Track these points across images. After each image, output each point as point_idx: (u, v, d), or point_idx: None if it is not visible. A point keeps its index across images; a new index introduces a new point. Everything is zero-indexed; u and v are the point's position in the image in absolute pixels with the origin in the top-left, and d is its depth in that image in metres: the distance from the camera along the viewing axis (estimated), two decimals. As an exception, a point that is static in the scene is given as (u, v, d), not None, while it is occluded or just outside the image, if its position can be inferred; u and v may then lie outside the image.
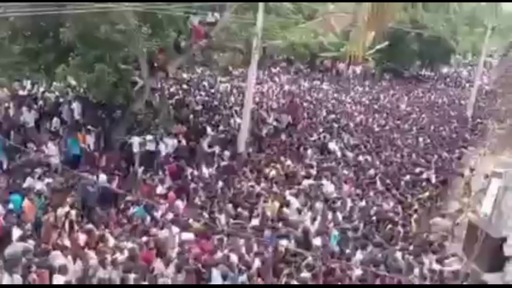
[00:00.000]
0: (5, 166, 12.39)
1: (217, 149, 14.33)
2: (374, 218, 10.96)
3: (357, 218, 10.71)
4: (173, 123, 15.45)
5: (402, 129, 20.66)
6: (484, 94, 31.53)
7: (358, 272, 8.12)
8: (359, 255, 8.83)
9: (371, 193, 12.52)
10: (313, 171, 13.28)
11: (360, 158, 15.48)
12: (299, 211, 10.44)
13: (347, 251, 9.06)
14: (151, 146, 13.41)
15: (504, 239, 9.62)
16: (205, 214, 9.55)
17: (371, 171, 14.30)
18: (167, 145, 13.57)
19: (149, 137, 13.51)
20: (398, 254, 9.10)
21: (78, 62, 12.02)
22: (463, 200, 13.83)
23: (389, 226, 10.60)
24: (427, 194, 13.25)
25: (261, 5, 13.86)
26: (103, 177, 11.25)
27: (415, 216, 11.64)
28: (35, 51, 12.42)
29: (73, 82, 16.10)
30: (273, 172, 12.80)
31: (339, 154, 15.67)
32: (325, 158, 15.16)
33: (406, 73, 34.74)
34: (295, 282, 7.49)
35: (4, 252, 7.68)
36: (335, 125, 19.26)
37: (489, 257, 9.69)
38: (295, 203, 10.74)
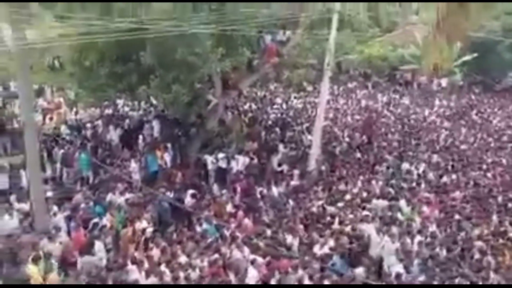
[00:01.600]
0: (91, 181, 13.39)
1: (286, 167, 14.12)
2: (459, 246, 9.95)
3: (440, 245, 9.80)
4: (245, 140, 15.61)
5: (494, 147, 18.79)
6: None
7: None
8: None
9: (457, 217, 11.44)
10: (390, 191, 12.50)
11: (445, 178, 14.30)
12: (374, 236, 9.82)
13: (434, 282, 8.27)
14: (223, 164, 13.62)
15: None
16: (269, 234, 9.36)
17: (457, 193, 13.11)
18: (238, 163, 13.69)
19: (221, 155, 13.76)
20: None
21: (157, 83, 12.68)
22: None
23: (477, 256, 9.55)
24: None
25: (334, 20, 13.60)
26: (188, 198, 11.57)
27: (509, 245, 10.38)
28: (119, 74, 13.32)
29: (155, 102, 17.09)
30: (347, 195, 12.23)
31: (416, 173, 14.61)
32: (403, 177, 14.22)
33: (497, 86, 31.75)
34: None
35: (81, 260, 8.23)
36: (415, 142, 18.08)
37: None
38: (370, 227, 10.13)
